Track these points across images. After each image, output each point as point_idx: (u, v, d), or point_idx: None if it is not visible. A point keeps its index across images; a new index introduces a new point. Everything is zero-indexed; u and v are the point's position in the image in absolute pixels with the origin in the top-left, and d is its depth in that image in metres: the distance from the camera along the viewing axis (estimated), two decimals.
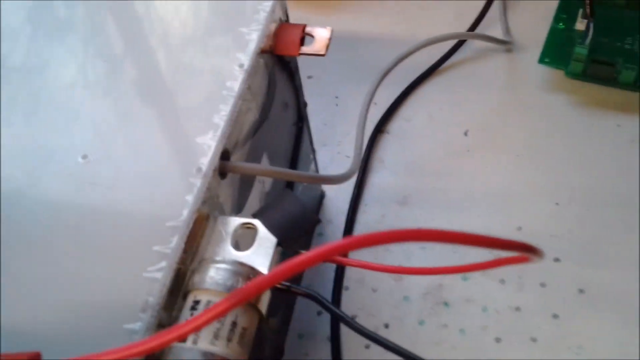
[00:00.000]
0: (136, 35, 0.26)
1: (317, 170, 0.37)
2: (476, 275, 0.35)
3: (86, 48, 0.26)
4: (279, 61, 0.28)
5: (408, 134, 0.41)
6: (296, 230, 0.22)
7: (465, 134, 0.41)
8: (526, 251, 0.16)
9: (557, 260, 0.35)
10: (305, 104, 0.33)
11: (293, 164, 0.32)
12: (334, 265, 0.36)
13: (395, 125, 0.42)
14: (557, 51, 0.42)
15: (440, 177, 0.39)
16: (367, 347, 0.33)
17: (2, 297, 0.20)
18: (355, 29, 0.47)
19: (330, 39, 0.27)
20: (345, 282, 0.35)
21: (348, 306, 0.35)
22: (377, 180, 0.39)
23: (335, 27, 0.47)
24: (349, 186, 0.38)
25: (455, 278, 0.35)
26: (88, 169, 0.22)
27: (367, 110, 0.34)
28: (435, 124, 0.41)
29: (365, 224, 0.38)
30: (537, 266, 0.35)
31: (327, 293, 0.35)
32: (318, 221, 0.23)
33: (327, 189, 0.39)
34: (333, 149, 0.41)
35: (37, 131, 0.24)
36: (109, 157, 0.23)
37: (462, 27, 0.46)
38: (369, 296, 0.35)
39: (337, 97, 0.44)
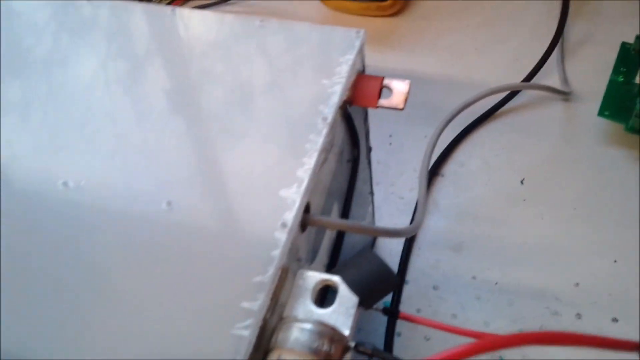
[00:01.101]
0: (222, 82, 0.26)
1: (373, 212, 0.37)
2: (532, 330, 0.34)
3: (175, 100, 0.26)
4: (354, 110, 0.28)
5: (463, 178, 0.41)
6: (377, 290, 0.22)
7: (522, 182, 0.40)
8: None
9: (614, 320, 0.34)
10: (369, 149, 0.33)
11: (347, 205, 0.32)
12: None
13: (450, 168, 0.42)
14: (616, 104, 0.42)
15: (495, 224, 0.39)
16: None
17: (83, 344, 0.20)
18: (411, 68, 0.47)
19: (408, 93, 0.27)
20: (398, 328, 0.35)
21: (400, 353, 0.34)
22: (432, 223, 0.39)
23: (390, 65, 0.47)
24: None
25: (511, 331, 0.34)
26: (173, 216, 0.22)
27: (429, 159, 0.34)
28: (490, 170, 0.41)
29: (419, 269, 0.37)
30: (594, 325, 0.35)
31: (379, 339, 0.35)
32: (399, 283, 0.22)
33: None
34: (387, 189, 0.41)
35: (123, 170, 0.24)
36: (195, 206, 0.23)
37: (518, 71, 0.46)
38: (422, 344, 0.35)
39: (390, 136, 0.44)
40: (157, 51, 0.28)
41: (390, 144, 0.44)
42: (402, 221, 0.39)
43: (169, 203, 0.23)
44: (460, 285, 0.37)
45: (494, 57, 0.48)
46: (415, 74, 0.47)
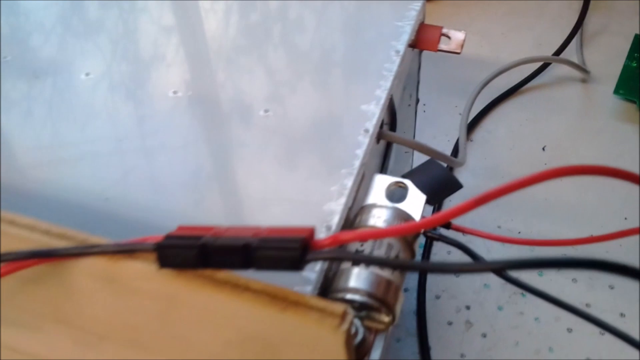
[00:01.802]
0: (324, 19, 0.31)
1: (412, 165, 0.41)
2: (551, 272, 0.38)
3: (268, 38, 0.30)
4: (413, 58, 0.33)
5: (490, 144, 0.45)
6: (441, 191, 0.26)
7: (543, 149, 0.45)
8: None
9: None
10: (418, 100, 0.37)
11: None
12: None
13: (479, 135, 0.46)
14: (630, 85, 0.47)
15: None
16: (449, 324, 0.37)
17: None
18: None
19: (464, 40, 0.31)
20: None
21: (432, 288, 0.38)
22: (462, 180, 0.43)
23: None
24: None
25: (533, 274, 0.38)
26: (271, 121, 0.26)
27: (467, 115, 0.38)
28: (515, 137, 0.45)
29: None
30: None
31: (411, 275, 0.38)
32: (460, 186, 0.26)
33: None
34: None
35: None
36: (289, 113, 0.27)
37: (542, 55, 0.50)
38: (452, 280, 0.39)
39: (424, 105, 0.48)
40: None
41: (424, 111, 0.48)
42: None
43: (266, 110, 0.27)
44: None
45: (519, 42, 0.52)
46: (446, 54, 0.52)
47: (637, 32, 0.51)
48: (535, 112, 0.47)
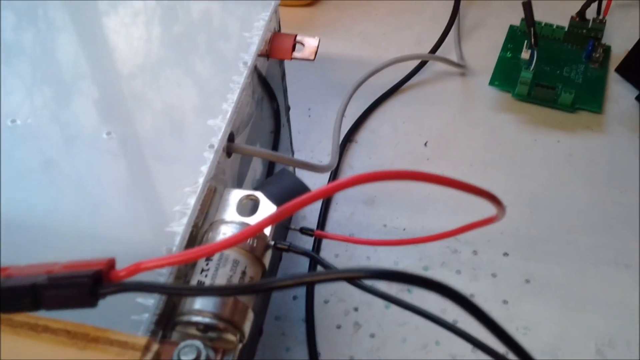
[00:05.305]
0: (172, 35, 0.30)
1: (294, 170, 0.41)
2: (436, 267, 0.39)
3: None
4: (271, 67, 0.32)
5: (374, 144, 0.46)
6: (292, 200, 0.26)
7: (425, 144, 0.45)
8: (493, 201, 0.20)
9: (505, 254, 0.40)
10: (288, 108, 0.37)
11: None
12: (307, 258, 0.39)
13: (363, 135, 0.46)
14: (505, 76, 0.48)
15: (403, 181, 0.43)
16: (338, 327, 0.37)
17: None
18: (326, 52, 0.52)
19: (318, 47, 0.32)
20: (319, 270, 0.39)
21: (321, 292, 0.38)
22: None
23: None
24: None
25: (417, 268, 0.39)
26: (113, 143, 0.26)
27: (342, 115, 0.38)
28: (398, 135, 0.46)
29: (336, 221, 0.41)
30: (488, 259, 0.40)
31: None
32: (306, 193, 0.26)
33: None
34: (307, 155, 0.45)
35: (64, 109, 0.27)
36: (132, 134, 0.26)
37: (421, 52, 0.51)
38: (340, 284, 0.39)
39: (309, 109, 0.48)
40: None
41: (310, 116, 0.48)
42: (321, 182, 0.43)
43: (109, 133, 0.26)
44: (373, 232, 0.41)
45: (400, 41, 0.53)
46: (330, 57, 0.52)
47: (512, 24, 0.52)
48: (416, 108, 0.48)
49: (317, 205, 0.42)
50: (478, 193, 0.20)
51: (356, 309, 0.38)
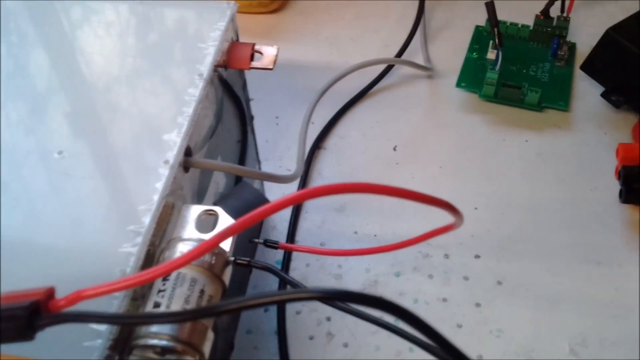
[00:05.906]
0: (117, 46, 0.29)
1: (261, 181, 0.41)
2: (408, 272, 0.39)
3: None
4: (230, 77, 0.32)
5: (343, 150, 0.45)
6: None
7: (394, 149, 0.45)
8: (449, 209, 0.20)
9: (477, 256, 0.39)
10: (252, 117, 0.37)
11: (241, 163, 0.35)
12: (278, 268, 0.39)
13: (332, 142, 0.46)
14: (471, 77, 0.48)
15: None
16: (311, 338, 0.36)
17: None
18: (293, 58, 0.52)
19: (277, 56, 0.31)
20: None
21: (293, 304, 0.38)
22: None
23: None
24: None
25: (389, 275, 0.39)
26: (66, 163, 0.25)
27: (307, 122, 0.38)
28: (367, 140, 0.46)
29: (306, 230, 0.41)
30: (460, 262, 0.39)
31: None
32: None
33: (270, 197, 0.42)
34: (275, 163, 0.44)
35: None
36: (84, 152, 0.25)
37: (388, 56, 0.51)
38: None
39: (277, 117, 0.47)
40: None
41: (277, 124, 0.47)
42: (290, 189, 0.43)
43: (60, 152, 0.25)
44: (344, 240, 0.41)
45: (367, 45, 0.53)
46: (297, 64, 0.52)
47: (477, 24, 0.52)
48: (384, 113, 0.47)
49: (287, 214, 0.41)
50: (434, 203, 0.20)
51: (328, 319, 0.37)
